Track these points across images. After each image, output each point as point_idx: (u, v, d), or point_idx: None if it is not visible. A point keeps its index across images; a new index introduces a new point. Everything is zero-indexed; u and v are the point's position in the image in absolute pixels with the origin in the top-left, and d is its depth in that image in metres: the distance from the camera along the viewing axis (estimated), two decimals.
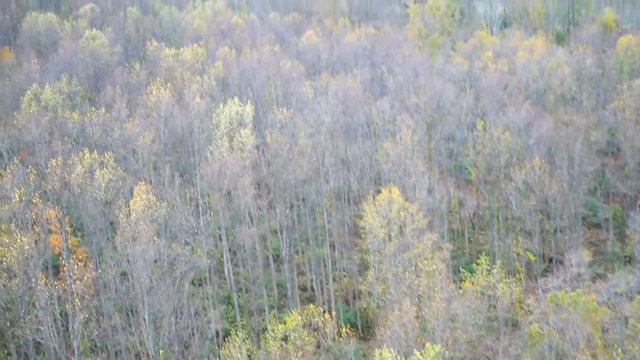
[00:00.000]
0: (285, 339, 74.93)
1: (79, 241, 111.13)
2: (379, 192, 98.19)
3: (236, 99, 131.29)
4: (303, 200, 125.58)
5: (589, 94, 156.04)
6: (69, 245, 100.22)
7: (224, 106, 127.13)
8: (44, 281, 78.25)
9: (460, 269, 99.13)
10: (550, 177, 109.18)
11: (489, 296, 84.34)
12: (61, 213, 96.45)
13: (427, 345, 64.23)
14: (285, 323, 76.75)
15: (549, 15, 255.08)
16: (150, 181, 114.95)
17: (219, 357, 74.68)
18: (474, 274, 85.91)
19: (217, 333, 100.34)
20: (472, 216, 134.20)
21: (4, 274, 79.94)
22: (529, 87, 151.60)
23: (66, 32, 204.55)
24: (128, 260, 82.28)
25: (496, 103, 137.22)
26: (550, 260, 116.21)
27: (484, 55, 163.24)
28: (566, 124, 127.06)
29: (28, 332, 78.81)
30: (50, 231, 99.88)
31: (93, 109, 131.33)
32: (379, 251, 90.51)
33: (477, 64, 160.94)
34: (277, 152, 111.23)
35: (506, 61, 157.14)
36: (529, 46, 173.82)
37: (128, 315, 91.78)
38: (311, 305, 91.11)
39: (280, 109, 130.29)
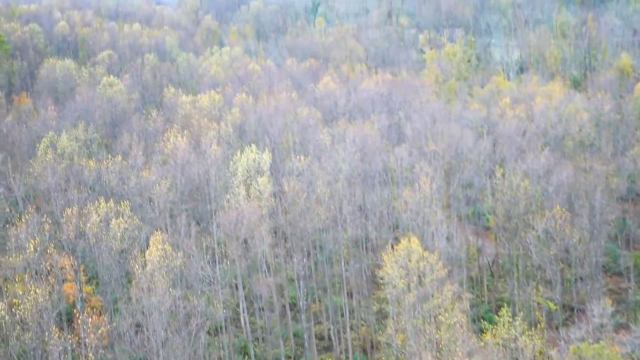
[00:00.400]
0: None
1: (93, 289, 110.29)
2: (397, 240, 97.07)
3: (253, 146, 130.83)
4: (320, 247, 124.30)
5: (608, 140, 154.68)
6: (84, 295, 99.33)
7: (241, 154, 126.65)
8: (57, 334, 77.00)
9: (480, 318, 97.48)
10: (570, 225, 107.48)
11: (511, 349, 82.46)
12: (76, 262, 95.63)
13: None
14: None
15: (566, 61, 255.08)
16: (167, 229, 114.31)
17: None
18: (494, 325, 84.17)
19: None
20: (491, 264, 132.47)
21: (18, 327, 78.75)
22: (547, 134, 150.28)
23: (84, 79, 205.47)
24: (143, 312, 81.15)
25: (515, 150, 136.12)
26: (572, 310, 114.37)
27: (501, 101, 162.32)
28: (586, 170, 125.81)
29: None
30: (64, 280, 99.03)
31: (109, 156, 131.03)
32: (397, 302, 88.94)
33: (494, 110, 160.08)
34: (295, 200, 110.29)
35: (524, 107, 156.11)
36: (546, 92, 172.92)
37: None
38: (328, 355, 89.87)
39: (298, 157, 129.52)
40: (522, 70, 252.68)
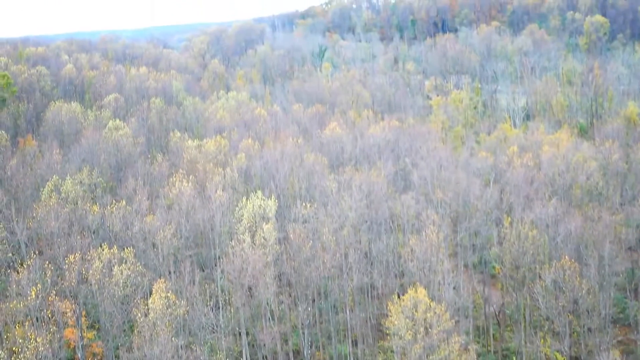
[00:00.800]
0: None
1: (94, 335, 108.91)
2: (403, 288, 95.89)
3: (259, 192, 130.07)
4: (325, 294, 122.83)
5: (616, 189, 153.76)
6: (85, 341, 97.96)
7: (247, 200, 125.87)
8: None
9: None
10: (579, 276, 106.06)
11: None
12: (78, 308, 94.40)
13: None
14: None
15: (572, 108, 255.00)
16: (170, 276, 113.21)
17: None
18: None
19: None
20: (497, 313, 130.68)
21: None
22: (555, 182, 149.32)
23: (89, 122, 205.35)
24: None
25: (522, 198, 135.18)
26: None
27: (509, 149, 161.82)
28: (594, 220, 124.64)
29: None
30: (66, 324, 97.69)
31: (114, 201, 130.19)
32: (403, 353, 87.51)
33: (502, 158, 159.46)
34: (300, 248, 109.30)
35: (531, 155, 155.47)
36: (554, 140, 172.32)
37: None
38: None
39: (304, 203, 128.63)
40: (528, 117, 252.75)
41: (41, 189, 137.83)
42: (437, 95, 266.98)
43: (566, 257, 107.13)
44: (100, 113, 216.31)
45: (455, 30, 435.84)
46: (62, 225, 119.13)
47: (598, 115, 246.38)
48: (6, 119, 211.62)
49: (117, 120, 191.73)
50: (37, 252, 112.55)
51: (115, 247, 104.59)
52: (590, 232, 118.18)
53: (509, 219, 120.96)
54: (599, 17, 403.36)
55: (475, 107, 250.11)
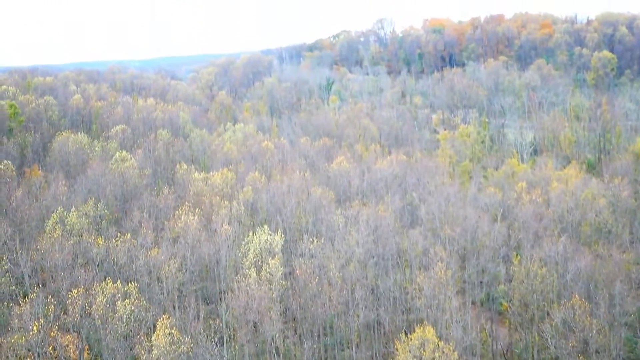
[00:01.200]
0: None
1: None
2: (409, 324, 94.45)
3: (266, 227, 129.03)
4: (331, 329, 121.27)
5: (625, 226, 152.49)
6: None
7: (253, 234, 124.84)
8: None
9: None
10: (590, 316, 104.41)
11: None
12: (81, 345, 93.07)
13: None
14: None
15: (580, 143, 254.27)
16: (175, 310, 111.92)
17: None
18: None
19: None
20: (505, 352, 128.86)
21: None
22: (563, 219, 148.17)
23: (96, 153, 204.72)
24: None
25: (531, 235, 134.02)
26: None
27: (517, 185, 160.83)
28: (604, 258, 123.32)
29: None
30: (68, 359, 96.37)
31: (119, 233, 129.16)
32: None
33: (510, 194, 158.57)
34: (306, 284, 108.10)
35: (540, 192, 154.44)
36: (563, 176, 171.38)
37: None
38: None
39: (310, 239, 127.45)
40: (535, 152, 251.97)
41: (46, 221, 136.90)
42: (445, 129, 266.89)
43: (576, 296, 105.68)
44: (107, 144, 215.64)
45: (463, 65, 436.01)
46: (66, 258, 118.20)
47: (606, 151, 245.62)
48: (13, 148, 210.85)
49: (124, 152, 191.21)
50: (40, 285, 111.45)
51: (119, 281, 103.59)
52: (600, 271, 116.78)
53: (518, 257, 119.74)
54: (606, 53, 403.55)
55: (482, 142, 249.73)
